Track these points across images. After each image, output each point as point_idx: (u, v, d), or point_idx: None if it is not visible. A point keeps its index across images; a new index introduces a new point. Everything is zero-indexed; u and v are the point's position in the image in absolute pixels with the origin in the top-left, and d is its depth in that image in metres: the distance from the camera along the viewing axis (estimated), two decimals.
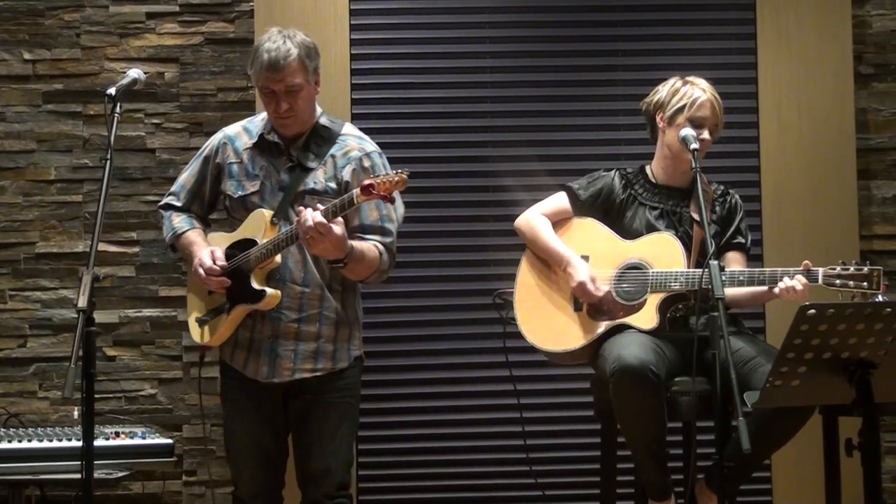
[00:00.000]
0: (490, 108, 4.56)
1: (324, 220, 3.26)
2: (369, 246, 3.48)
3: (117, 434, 3.86)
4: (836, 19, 4.50)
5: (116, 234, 4.48)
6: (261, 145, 3.61)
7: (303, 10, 4.45)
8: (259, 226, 3.50)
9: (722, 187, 3.79)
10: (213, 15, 4.54)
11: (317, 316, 3.53)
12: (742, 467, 3.42)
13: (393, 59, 4.55)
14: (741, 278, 3.49)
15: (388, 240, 3.54)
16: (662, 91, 3.69)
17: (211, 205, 3.74)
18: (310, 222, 3.26)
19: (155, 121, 4.52)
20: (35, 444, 3.76)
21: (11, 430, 3.96)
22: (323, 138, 3.59)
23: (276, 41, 3.46)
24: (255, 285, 3.47)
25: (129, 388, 4.48)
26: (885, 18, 4.60)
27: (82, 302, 2.93)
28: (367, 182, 3.22)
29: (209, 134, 4.43)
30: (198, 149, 4.43)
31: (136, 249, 4.50)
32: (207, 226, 3.74)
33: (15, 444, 3.76)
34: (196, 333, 3.66)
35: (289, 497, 3.73)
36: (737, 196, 3.80)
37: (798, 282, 3.38)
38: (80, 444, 3.06)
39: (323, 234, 3.26)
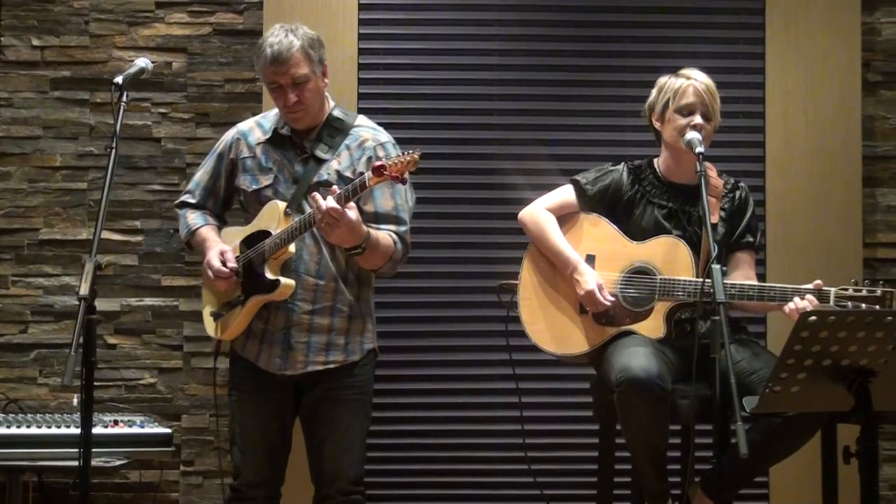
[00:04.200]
0: (497, 106, 4.55)
1: (336, 206, 3.26)
2: (384, 234, 3.48)
3: (116, 422, 3.86)
4: (845, 26, 4.49)
5: (120, 223, 4.48)
6: (274, 140, 3.62)
7: (312, 3, 4.45)
8: (273, 217, 3.51)
9: (732, 180, 3.72)
10: (222, 6, 4.54)
11: (330, 308, 3.53)
12: (741, 473, 3.42)
13: (401, 55, 4.54)
14: (751, 293, 3.45)
15: (402, 229, 3.55)
16: (652, 92, 3.67)
17: (226, 202, 3.75)
18: (323, 207, 3.27)
19: (161, 110, 4.52)
20: (34, 431, 3.76)
21: (10, 415, 3.97)
22: (336, 129, 3.59)
23: (277, 35, 3.48)
24: (270, 275, 3.47)
25: (128, 377, 4.48)
26: (895, 26, 4.59)
27: (84, 289, 2.93)
28: (378, 163, 3.23)
29: (215, 125, 4.46)
30: (203, 139, 4.47)
31: (139, 238, 4.50)
32: (223, 223, 3.75)
33: (13, 430, 3.76)
34: (211, 328, 3.67)
35: (301, 490, 3.74)
36: (746, 189, 3.72)
37: (809, 303, 3.34)
38: (78, 431, 3.04)
39: (337, 220, 3.27)
